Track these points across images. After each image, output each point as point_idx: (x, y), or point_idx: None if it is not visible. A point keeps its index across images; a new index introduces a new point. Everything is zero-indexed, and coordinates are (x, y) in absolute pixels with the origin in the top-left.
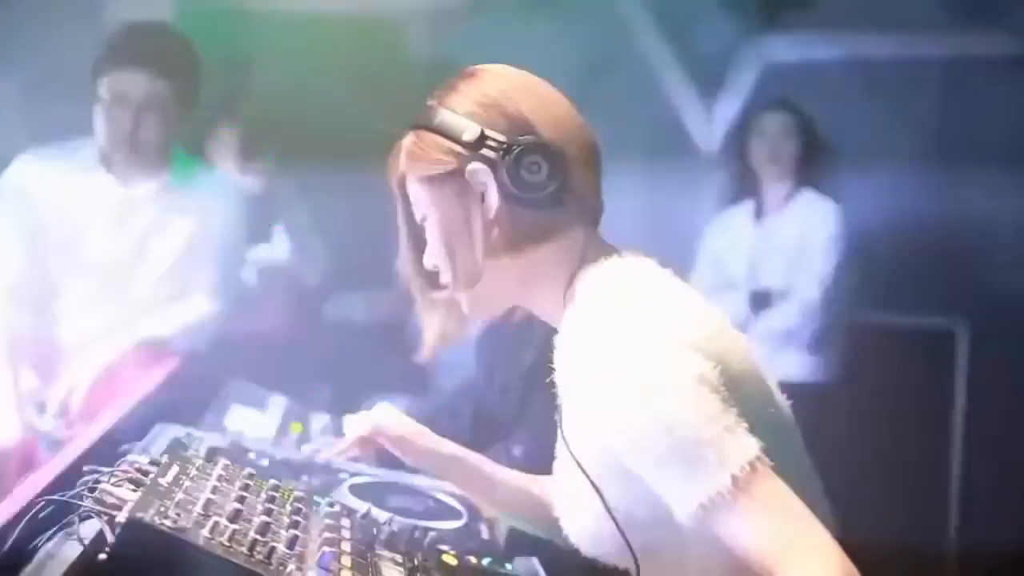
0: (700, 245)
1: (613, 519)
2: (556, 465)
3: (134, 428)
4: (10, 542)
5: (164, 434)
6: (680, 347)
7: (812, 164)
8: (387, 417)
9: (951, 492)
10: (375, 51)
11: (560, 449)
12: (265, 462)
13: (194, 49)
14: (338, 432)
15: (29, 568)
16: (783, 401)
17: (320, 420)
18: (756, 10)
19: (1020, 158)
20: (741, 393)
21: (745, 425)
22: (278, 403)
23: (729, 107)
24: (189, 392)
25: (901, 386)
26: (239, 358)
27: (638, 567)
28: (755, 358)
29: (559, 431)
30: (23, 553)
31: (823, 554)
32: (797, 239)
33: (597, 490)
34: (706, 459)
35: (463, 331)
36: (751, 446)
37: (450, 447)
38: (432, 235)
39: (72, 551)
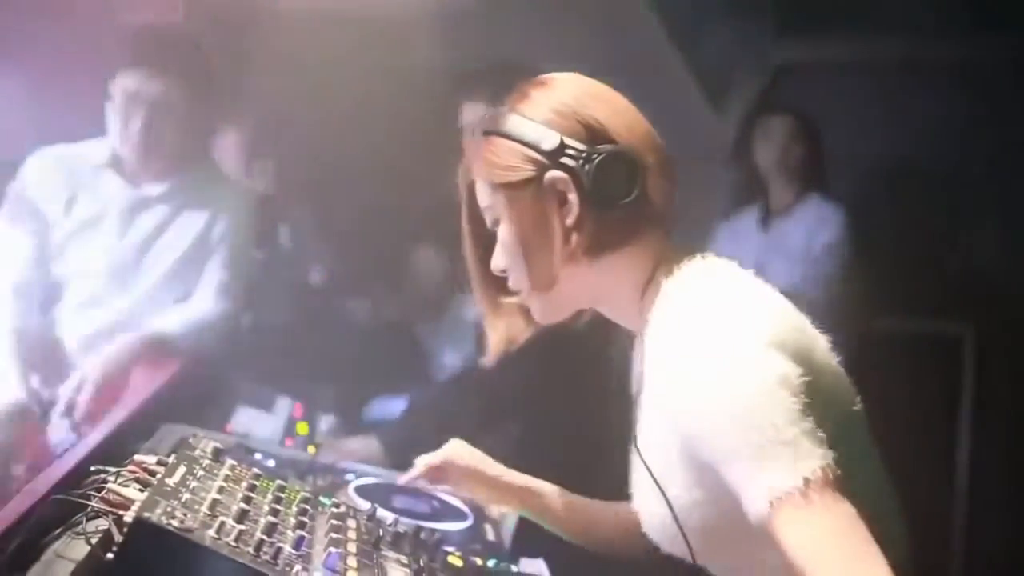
0: (707, 248)
1: (670, 507)
2: (634, 464)
3: (141, 428)
4: (18, 541)
5: (171, 434)
6: (767, 348)
7: (819, 168)
8: (460, 450)
9: (957, 496)
10: (383, 52)
11: (641, 449)
12: (271, 462)
13: (205, 50)
14: (344, 433)
15: (36, 567)
16: (858, 400)
17: (326, 421)
18: (765, 13)
19: None
20: (823, 392)
21: (822, 434)
22: (284, 404)
23: (737, 110)
24: (196, 392)
25: (907, 390)
26: (246, 359)
27: (694, 556)
28: (834, 356)
29: (635, 429)
30: (31, 552)
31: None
32: (804, 243)
33: (657, 484)
34: (782, 457)
35: (527, 334)
36: (825, 455)
37: (521, 479)
38: (506, 240)
39: (79, 550)
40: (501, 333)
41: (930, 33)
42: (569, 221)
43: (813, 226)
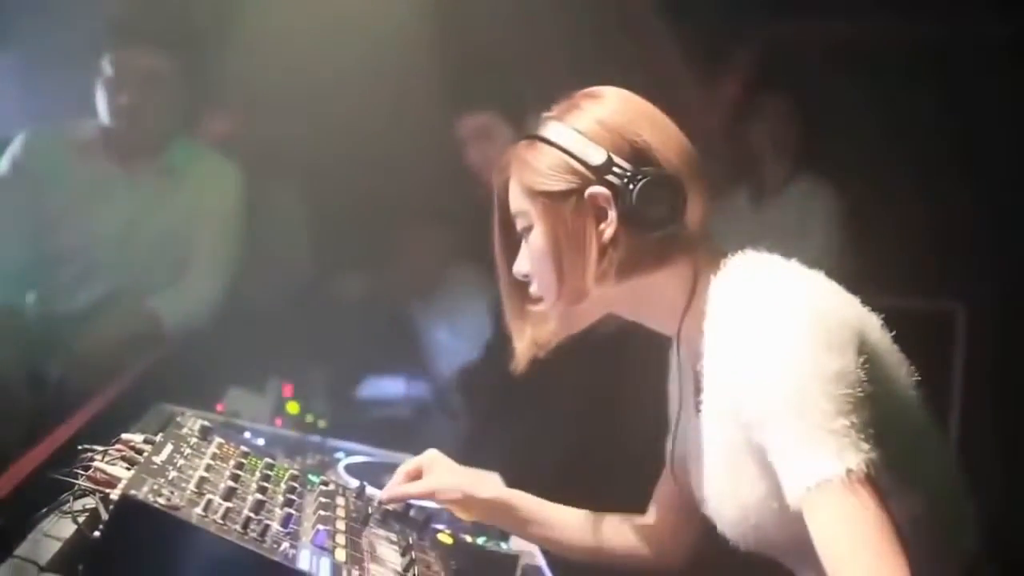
0: None
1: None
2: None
3: (129, 406)
4: (4, 520)
5: (161, 413)
6: (824, 341)
7: (812, 147)
8: (436, 460)
9: None
10: (377, 32)
11: (706, 448)
12: (260, 441)
13: (196, 28)
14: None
15: (23, 545)
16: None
17: (317, 401)
18: None
19: (1019, 141)
20: (881, 370)
21: (871, 431)
22: (275, 383)
23: (729, 89)
24: (185, 371)
25: None
26: (236, 338)
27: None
28: (886, 334)
29: (701, 426)
30: (18, 531)
31: None
32: (796, 222)
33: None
34: (829, 444)
35: (556, 339)
36: (871, 451)
37: (490, 491)
38: (536, 248)
39: (66, 529)
40: (527, 339)
41: (926, 16)
42: (606, 238)
43: (805, 205)
